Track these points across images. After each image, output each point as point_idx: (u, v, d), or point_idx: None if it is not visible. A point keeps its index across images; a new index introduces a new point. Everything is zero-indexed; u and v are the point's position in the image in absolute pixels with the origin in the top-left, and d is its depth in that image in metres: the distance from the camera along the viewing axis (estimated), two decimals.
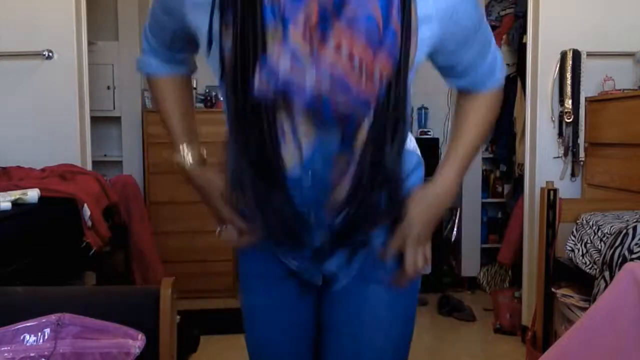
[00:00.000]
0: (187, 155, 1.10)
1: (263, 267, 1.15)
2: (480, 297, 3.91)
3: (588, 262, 2.19)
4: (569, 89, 2.78)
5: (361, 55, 0.78)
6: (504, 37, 4.03)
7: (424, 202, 1.05)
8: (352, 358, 1.09)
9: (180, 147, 1.10)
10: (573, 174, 2.88)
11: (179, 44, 1.07)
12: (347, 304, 1.09)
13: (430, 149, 4.03)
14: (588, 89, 2.80)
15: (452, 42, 0.95)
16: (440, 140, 4.17)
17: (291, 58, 0.77)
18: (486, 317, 3.49)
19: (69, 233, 2.29)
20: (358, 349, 1.08)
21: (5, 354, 1.06)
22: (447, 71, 1.05)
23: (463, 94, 1.11)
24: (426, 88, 4.27)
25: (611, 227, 2.10)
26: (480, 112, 1.10)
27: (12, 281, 1.83)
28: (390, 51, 0.81)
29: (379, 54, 0.80)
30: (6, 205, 1.97)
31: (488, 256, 4.12)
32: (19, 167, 2.59)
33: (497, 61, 1.07)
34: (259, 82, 0.77)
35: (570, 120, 2.79)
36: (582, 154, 2.82)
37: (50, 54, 2.70)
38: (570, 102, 2.78)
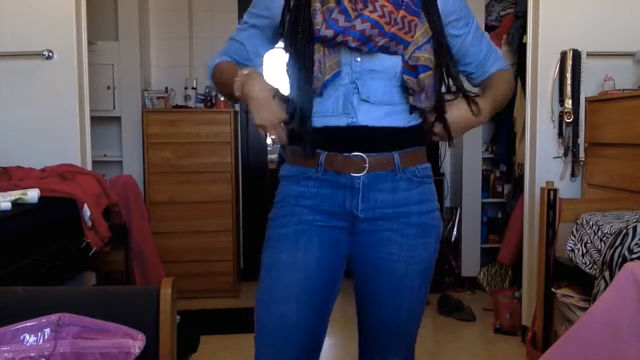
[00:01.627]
0: (244, 71, 1.33)
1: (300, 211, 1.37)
2: (480, 297, 3.91)
3: (588, 262, 2.19)
4: (569, 89, 2.78)
5: (389, 10, 1.25)
6: (504, 37, 4.04)
7: (463, 115, 1.41)
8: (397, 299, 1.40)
9: (239, 71, 1.33)
10: (573, 174, 2.88)
11: (250, 54, 1.46)
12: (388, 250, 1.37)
13: (430, 148, 4.02)
14: (588, 89, 2.80)
15: (456, 22, 1.39)
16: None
17: (345, 18, 1.24)
18: (486, 317, 3.49)
19: (69, 233, 2.29)
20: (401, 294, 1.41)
21: (5, 354, 1.06)
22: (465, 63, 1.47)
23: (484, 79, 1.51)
24: None
25: (611, 227, 2.10)
26: (502, 77, 1.49)
27: (12, 281, 1.83)
28: (407, 7, 1.27)
29: (401, 9, 1.26)
30: (6, 205, 1.97)
31: (488, 256, 4.13)
32: (19, 167, 2.59)
33: (498, 52, 1.52)
34: (325, 29, 1.24)
35: (570, 120, 2.79)
36: (582, 154, 2.82)
37: (50, 54, 2.70)
38: (570, 102, 2.78)
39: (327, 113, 1.32)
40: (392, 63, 1.30)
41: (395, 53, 1.29)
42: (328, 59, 1.27)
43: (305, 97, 1.29)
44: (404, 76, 1.30)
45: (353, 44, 1.25)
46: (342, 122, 1.31)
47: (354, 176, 1.32)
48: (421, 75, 1.29)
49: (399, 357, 1.47)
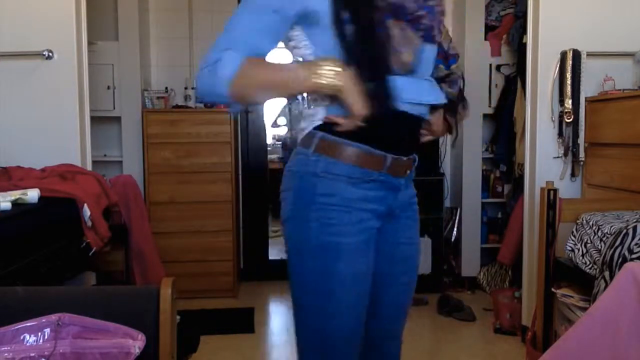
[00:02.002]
0: (306, 65, 1.23)
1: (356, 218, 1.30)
2: (480, 297, 3.91)
3: (588, 262, 2.19)
4: (569, 89, 2.78)
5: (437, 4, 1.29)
6: (504, 37, 4.04)
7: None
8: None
9: (299, 67, 1.23)
10: (573, 174, 2.88)
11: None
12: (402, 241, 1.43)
13: (430, 148, 4.03)
14: (588, 89, 2.80)
15: None
16: (441, 140, 4.17)
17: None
18: (486, 317, 3.49)
19: (69, 233, 2.29)
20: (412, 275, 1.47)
21: (5, 354, 1.06)
22: None
23: None
24: None
25: (611, 227, 2.10)
26: None
27: (12, 281, 1.83)
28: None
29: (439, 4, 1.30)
30: (6, 205, 1.97)
31: (488, 256, 4.12)
32: (19, 167, 2.59)
33: None
34: (411, 6, 1.21)
35: (570, 120, 2.79)
36: (582, 154, 2.82)
37: (50, 54, 2.70)
38: (570, 102, 2.78)
39: (414, 98, 1.26)
40: (431, 51, 1.31)
41: (434, 42, 1.31)
42: (407, 32, 1.21)
43: (386, 76, 1.20)
44: (441, 66, 1.36)
45: (425, 23, 1.24)
46: (417, 111, 1.29)
47: (401, 177, 1.34)
48: (453, 66, 1.37)
49: (399, 339, 1.52)
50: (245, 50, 1.22)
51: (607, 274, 1.88)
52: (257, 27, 1.22)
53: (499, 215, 4.25)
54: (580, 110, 2.79)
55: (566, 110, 2.79)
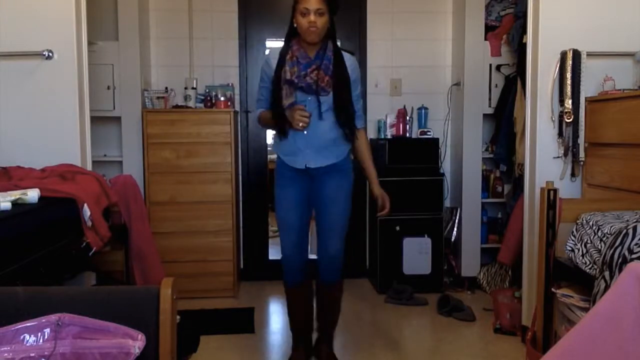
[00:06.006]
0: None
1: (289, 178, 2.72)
2: (480, 297, 3.91)
3: (588, 262, 2.19)
4: (569, 89, 2.78)
5: None
6: (504, 37, 4.04)
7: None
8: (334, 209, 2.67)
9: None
10: (573, 174, 2.88)
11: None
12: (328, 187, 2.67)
13: (430, 148, 4.03)
14: (588, 89, 2.80)
15: None
16: (441, 140, 4.17)
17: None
18: (486, 317, 3.49)
19: (69, 233, 2.29)
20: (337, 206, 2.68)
21: (5, 354, 1.06)
22: None
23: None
24: (426, 88, 4.29)
25: (611, 227, 2.10)
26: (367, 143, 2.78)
27: (12, 281, 1.83)
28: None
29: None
30: (6, 205, 1.96)
31: (488, 256, 4.13)
32: (19, 167, 2.59)
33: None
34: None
35: (570, 120, 2.79)
36: (582, 154, 2.82)
37: (50, 54, 2.70)
38: (570, 102, 2.78)
39: None
40: (312, 100, 2.68)
41: (314, 94, 2.59)
42: (290, 90, 2.63)
43: None
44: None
45: (302, 86, 2.58)
46: None
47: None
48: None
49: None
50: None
51: (607, 274, 1.88)
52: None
53: (499, 215, 4.25)
54: (580, 110, 2.79)
55: (566, 110, 2.79)
